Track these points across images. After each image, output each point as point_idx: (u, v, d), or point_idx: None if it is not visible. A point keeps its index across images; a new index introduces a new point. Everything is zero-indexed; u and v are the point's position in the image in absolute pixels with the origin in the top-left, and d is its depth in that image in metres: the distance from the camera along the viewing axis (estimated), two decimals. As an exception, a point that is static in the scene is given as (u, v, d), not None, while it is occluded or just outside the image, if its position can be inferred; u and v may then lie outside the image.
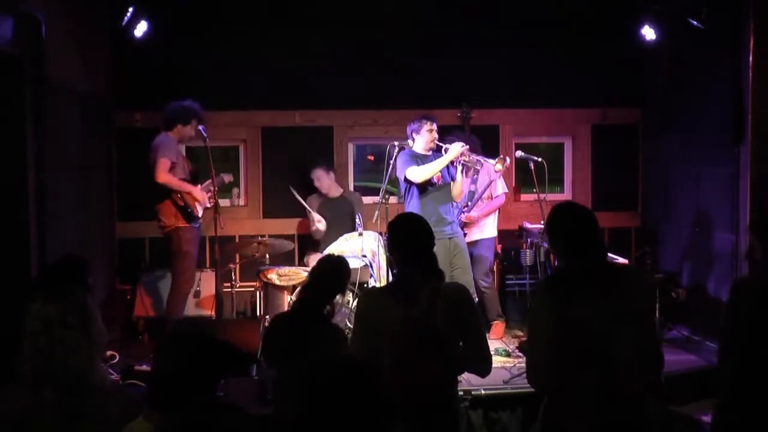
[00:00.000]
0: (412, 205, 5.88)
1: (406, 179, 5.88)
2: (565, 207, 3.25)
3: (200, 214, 5.99)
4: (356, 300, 5.71)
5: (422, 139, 5.95)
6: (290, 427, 1.93)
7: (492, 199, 6.58)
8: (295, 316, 3.88)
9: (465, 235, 6.31)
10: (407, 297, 3.12)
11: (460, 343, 3.18)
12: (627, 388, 3.00)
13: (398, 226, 3.32)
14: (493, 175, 6.37)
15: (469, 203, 6.45)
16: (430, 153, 5.99)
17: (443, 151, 5.91)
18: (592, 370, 2.98)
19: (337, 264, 4.09)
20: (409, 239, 3.26)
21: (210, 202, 5.99)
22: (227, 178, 6.48)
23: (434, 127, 5.96)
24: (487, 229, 6.58)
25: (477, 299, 6.17)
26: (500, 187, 6.59)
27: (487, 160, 6.05)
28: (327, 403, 1.90)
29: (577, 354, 2.99)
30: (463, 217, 6.37)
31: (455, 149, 5.84)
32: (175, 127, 6.00)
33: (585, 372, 2.98)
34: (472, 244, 6.43)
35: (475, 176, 6.44)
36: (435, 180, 5.89)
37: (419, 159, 5.91)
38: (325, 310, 3.90)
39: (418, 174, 5.80)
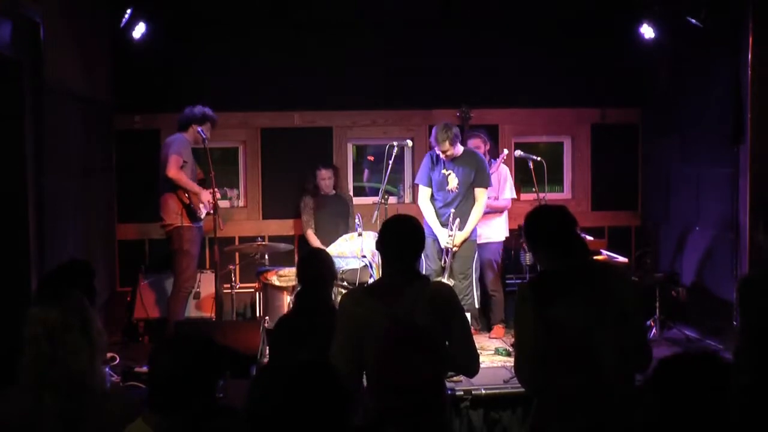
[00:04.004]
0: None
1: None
2: (538, 211, 3.25)
3: (203, 216, 6.02)
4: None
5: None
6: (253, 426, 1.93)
7: (498, 199, 6.55)
8: (297, 311, 3.86)
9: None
10: (389, 297, 3.11)
11: (446, 344, 3.18)
12: (613, 388, 3.00)
13: (387, 226, 3.32)
14: (503, 179, 6.45)
15: None
16: (444, 158, 6.07)
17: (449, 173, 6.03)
18: (577, 370, 2.98)
19: (314, 252, 4.09)
20: (394, 240, 3.25)
21: (209, 206, 6.03)
22: (231, 193, 6.60)
23: (444, 148, 5.94)
24: (495, 232, 6.53)
25: (479, 302, 6.24)
26: (508, 192, 6.56)
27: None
28: (281, 406, 1.90)
29: (561, 355, 2.99)
30: None
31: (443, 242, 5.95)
32: (189, 128, 6.06)
33: (570, 373, 2.98)
34: (480, 247, 6.42)
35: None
36: (448, 188, 6.05)
37: (435, 162, 6.11)
38: (329, 303, 3.87)
39: (420, 204, 6.19)
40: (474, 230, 6.10)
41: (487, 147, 6.60)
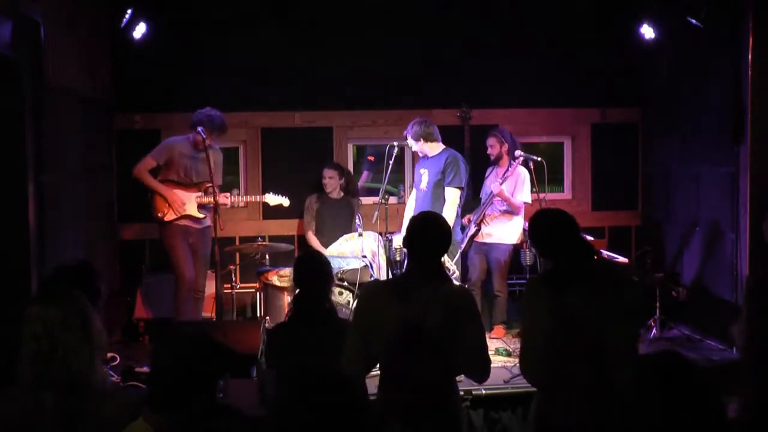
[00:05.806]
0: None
1: None
2: (539, 215, 3.38)
3: (166, 219, 6.01)
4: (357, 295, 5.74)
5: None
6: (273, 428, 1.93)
7: (513, 196, 6.38)
8: (294, 316, 3.85)
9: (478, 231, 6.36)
10: (405, 296, 3.11)
11: (457, 347, 3.17)
12: (615, 382, 3.03)
13: (411, 223, 3.33)
14: (521, 181, 6.39)
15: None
16: (422, 156, 6.17)
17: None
18: (582, 364, 3.01)
19: (309, 254, 4.15)
20: (416, 237, 3.24)
21: (208, 208, 6.04)
22: (234, 195, 6.50)
23: (410, 145, 6.09)
24: (507, 234, 6.45)
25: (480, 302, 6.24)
26: (524, 195, 6.41)
27: None
28: (301, 410, 1.90)
29: (568, 348, 3.02)
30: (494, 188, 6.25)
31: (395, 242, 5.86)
32: (195, 129, 6.06)
33: (576, 366, 3.01)
34: (489, 247, 6.40)
35: (501, 179, 6.34)
36: (420, 186, 6.11)
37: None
38: (327, 306, 3.87)
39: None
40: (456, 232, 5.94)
41: (504, 148, 6.48)
